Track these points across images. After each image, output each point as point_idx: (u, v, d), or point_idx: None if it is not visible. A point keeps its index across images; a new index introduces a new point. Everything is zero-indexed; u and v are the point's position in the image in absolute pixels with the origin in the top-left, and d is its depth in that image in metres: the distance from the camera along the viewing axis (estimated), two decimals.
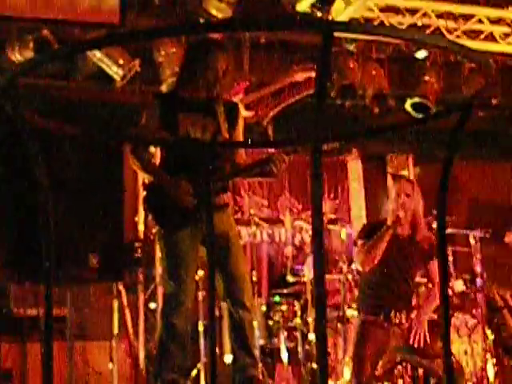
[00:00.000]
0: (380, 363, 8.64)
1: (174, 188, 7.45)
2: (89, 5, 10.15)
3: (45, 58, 8.10)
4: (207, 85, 7.68)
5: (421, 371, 10.68)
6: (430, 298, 8.81)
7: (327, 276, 11.05)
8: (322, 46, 2.69)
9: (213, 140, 7.61)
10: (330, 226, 11.92)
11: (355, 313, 10.72)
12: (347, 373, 10.24)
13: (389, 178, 8.47)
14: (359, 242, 8.54)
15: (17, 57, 10.56)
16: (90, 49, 8.25)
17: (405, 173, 8.70)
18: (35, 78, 10.82)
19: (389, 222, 8.41)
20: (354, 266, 11.18)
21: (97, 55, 11.04)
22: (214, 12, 10.60)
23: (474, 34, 12.21)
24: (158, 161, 8.03)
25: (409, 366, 10.68)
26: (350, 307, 10.72)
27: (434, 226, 10.09)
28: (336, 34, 2.86)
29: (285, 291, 11.08)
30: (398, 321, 8.39)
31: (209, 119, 7.66)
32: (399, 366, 10.47)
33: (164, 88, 10.71)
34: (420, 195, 8.56)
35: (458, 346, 11.19)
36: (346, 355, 10.39)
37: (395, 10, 11.67)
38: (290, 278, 11.22)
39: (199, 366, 9.20)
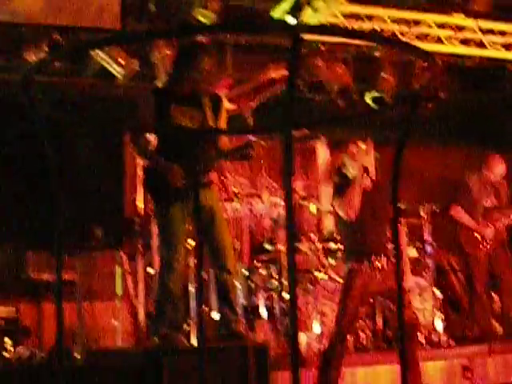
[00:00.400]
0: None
1: (167, 170, 7.53)
2: (93, 12, 10.18)
3: (53, 56, 8.14)
4: (194, 82, 7.79)
5: (380, 324, 10.77)
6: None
7: (299, 244, 11.12)
8: (291, 46, 2.75)
9: (200, 128, 7.67)
10: (301, 202, 11.96)
11: (324, 276, 10.79)
12: (316, 326, 10.31)
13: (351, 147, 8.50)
14: (337, 199, 8.59)
15: (32, 58, 10.60)
16: (92, 48, 8.24)
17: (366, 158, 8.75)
18: (49, 76, 10.87)
19: (358, 176, 8.50)
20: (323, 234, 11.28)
21: (100, 55, 11.09)
22: (201, 18, 10.64)
23: (423, 37, 12.24)
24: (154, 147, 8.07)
25: (368, 322, 10.78)
26: (318, 271, 10.77)
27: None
28: (304, 37, 2.91)
29: (263, 258, 11.12)
30: (379, 265, 8.44)
31: (196, 110, 7.78)
32: (360, 321, 10.55)
33: (159, 84, 10.74)
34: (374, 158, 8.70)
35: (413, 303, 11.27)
36: (315, 312, 10.45)
37: (357, 17, 11.69)
38: (268, 247, 11.26)
39: (190, 322, 9.23)
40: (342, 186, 8.66)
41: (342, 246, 9.95)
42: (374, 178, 8.69)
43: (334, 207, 8.76)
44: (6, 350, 9.11)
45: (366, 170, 8.53)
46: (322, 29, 4.90)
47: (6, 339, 9.43)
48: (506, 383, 9.71)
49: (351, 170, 8.64)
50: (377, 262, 8.48)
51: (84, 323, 8.34)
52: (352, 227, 8.60)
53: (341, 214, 8.59)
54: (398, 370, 3.17)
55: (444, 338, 11.45)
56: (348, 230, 8.70)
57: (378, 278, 8.46)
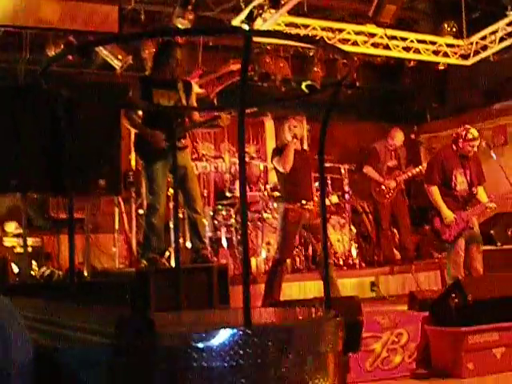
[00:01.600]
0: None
1: (151, 136, 7.49)
2: (98, 20, 10.13)
3: (64, 52, 7.98)
4: (171, 70, 7.77)
5: (310, 251, 10.77)
6: None
7: (251, 192, 11.09)
8: (244, 46, 2.65)
9: (175, 106, 7.64)
10: (253, 161, 11.92)
11: (269, 215, 10.77)
12: (263, 253, 10.29)
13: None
14: (276, 157, 8.59)
15: (52, 54, 10.63)
16: (96, 46, 8.14)
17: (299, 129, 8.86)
18: (64, 67, 10.81)
19: (292, 141, 8.50)
20: (268, 186, 11.24)
21: (103, 52, 11.01)
22: (179, 25, 10.51)
23: (344, 41, 12.15)
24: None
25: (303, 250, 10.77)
26: (265, 212, 10.74)
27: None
28: (255, 39, 2.85)
29: (224, 202, 11.09)
30: (308, 207, 8.43)
31: (172, 92, 7.77)
32: (296, 249, 10.55)
33: (145, 73, 10.65)
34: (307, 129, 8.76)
35: (334, 237, 11.26)
36: (262, 242, 10.44)
37: (295, 25, 11.58)
38: (228, 194, 11.23)
39: (170, 249, 9.18)
40: (281, 148, 8.63)
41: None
42: (305, 143, 8.68)
43: (273, 164, 8.75)
44: (32, 269, 9.07)
45: (295, 136, 8.55)
46: (268, 33, 4.81)
47: (33, 262, 9.39)
48: (402, 294, 9.73)
49: (287, 137, 8.60)
50: (306, 205, 8.46)
51: (91, 250, 8.22)
52: (287, 178, 8.58)
53: (279, 168, 8.57)
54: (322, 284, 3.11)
55: (357, 262, 11.49)
56: (284, 180, 8.67)
57: (306, 216, 8.44)
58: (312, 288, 9.05)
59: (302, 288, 9.49)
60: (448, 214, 8.67)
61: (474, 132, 8.80)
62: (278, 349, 2.29)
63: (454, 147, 8.87)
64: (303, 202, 8.51)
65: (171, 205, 8.65)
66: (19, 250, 9.20)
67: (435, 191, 8.77)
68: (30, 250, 8.87)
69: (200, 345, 2.18)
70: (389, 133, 11.98)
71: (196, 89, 8.40)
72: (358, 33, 12.40)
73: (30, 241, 8.97)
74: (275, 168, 8.79)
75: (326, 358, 2.50)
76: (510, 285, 6.76)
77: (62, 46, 10.68)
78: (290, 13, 11.23)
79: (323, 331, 2.50)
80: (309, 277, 9.91)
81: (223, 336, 2.20)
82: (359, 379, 6.16)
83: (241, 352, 2.20)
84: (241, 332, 2.22)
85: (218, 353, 2.19)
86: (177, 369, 2.18)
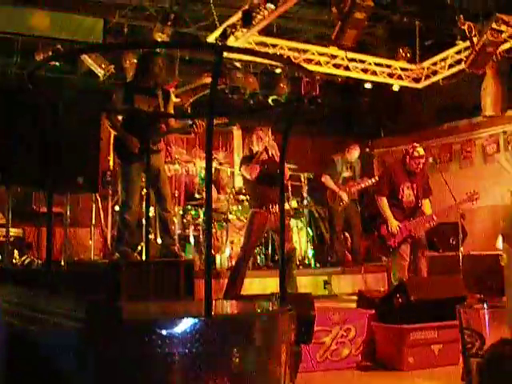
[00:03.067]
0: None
1: (129, 139, 7.43)
2: (84, 31, 10.08)
3: (52, 57, 7.91)
4: (153, 76, 7.70)
5: (269, 250, 10.78)
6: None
7: (219, 195, 11.08)
8: (215, 59, 2.64)
9: (154, 112, 7.59)
10: (222, 167, 11.91)
11: (234, 217, 10.76)
12: (227, 251, 10.27)
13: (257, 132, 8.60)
14: (244, 166, 8.58)
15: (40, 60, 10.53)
16: (82, 53, 8.09)
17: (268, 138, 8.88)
18: (52, 73, 10.76)
19: (260, 151, 8.51)
20: (234, 189, 11.24)
21: (88, 61, 10.95)
22: (158, 39, 10.49)
23: (308, 61, 12.18)
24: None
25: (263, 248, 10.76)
26: (230, 213, 10.72)
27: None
28: (225, 54, 2.84)
29: (193, 203, 11.05)
30: (274, 211, 8.42)
31: (152, 99, 7.69)
32: (258, 248, 10.54)
33: (127, 80, 10.59)
34: (272, 139, 8.71)
35: (292, 238, 11.28)
36: (227, 241, 10.42)
37: (264, 44, 11.59)
38: (197, 195, 11.20)
39: (142, 244, 9.13)
40: (249, 157, 8.63)
41: (247, 197, 10.00)
42: (273, 153, 8.67)
43: (241, 171, 8.75)
44: (14, 258, 8.98)
45: (265, 148, 8.54)
46: (237, 49, 4.78)
47: (15, 251, 9.30)
48: (351, 293, 9.76)
49: (255, 147, 8.59)
50: (271, 208, 8.46)
51: (69, 242, 8.16)
52: (254, 185, 8.58)
53: (246, 175, 8.57)
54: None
55: (312, 262, 11.53)
56: (251, 187, 8.67)
57: (272, 219, 8.44)
58: (270, 284, 9.02)
59: (261, 284, 9.47)
60: (393, 223, 8.75)
61: (420, 150, 8.88)
62: (235, 338, 2.28)
63: (403, 163, 8.96)
64: (269, 206, 8.52)
65: (144, 203, 8.62)
66: (1, 239, 9.11)
67: (383, 202, 8.85)
68: (12, 239, 8.79)
69: (164, 332, 2.17)
70: (346, 146, 12.04)
71: (173, 98, 8.34)
72: (321, 54, 12.46)
73: (12, 231, 8.88)
74: (243, 175, 8.78)
75: (280, 348, 2.50)
76: (449, 287, 6.81)
77: (50, 53, 10.60)
78: (260, 33, 11.25)
79: (277, 323, 2.49)
80: (268, 274, 9.91)
81: (185, 325, 2.19)
82: (310, 369, 6.16)
83: (201, 340, 2.19)
84: (201, 321, 2.21)
85: (180, 340, 2.18)
86: (141, 353, 2.16)
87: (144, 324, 2.22)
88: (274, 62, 11.20)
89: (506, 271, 7.40)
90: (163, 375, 2.17)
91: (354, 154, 11.97)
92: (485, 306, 1.70)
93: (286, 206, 11.20)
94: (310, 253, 11.72)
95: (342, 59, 12.53)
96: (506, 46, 11.30)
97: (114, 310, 2.15)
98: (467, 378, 1.73)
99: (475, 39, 11.07)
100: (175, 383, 2.18)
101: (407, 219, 8.84)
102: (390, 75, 13.20)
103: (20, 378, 2.34)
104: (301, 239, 11.60)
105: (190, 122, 7.84)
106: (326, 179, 11.84)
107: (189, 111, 12.04)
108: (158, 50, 8.51)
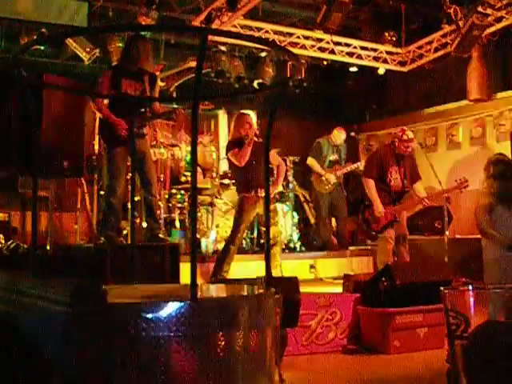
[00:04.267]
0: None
1: (114, 124, 7.42)
2: (69, 16, 10.01)
3: (37, 40, 7.87)
4: (139, 60, 7.68)
5: (255, 235, 10.79)
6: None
7: (203, 179, 11.08)
8: (200, 42, 2.63)
9: (140, 96, 7.59)
10: (206, 148, 11.87)
11: (220, 200, 10.75)
12: (212, 235, 10.27)
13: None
14: (232, 151, 8.59)
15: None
16: (66, 36, 8.06)
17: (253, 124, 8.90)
18: (37, 57, 10.73)
19: (250, 136, 8.61)
20: (219, 174, 11.23)
21: (73, 45, 10.88)
22: (143, 23, 10.44)
23: (294, 45, 12.17)
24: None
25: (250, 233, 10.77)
26: (216, 197, 10.72)
27: None
28: (210, 38, 2.83)
29: (179, 187, 11.03)
30: (261, 195, 8.45)
31: (139, 83, 7.69)
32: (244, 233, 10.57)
33: (114, 64, 10.55)
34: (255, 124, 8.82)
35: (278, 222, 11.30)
36: (212, 225, 10.42)
37: (250, 28, 11.57)
38: (183, 179, 11.21)
39: (127, 228, 9.13)
40: (237, 142, 8.64)
41: (233, 181, 10.05)
42: (258, 138, 8.69)
43: (228, 156, 8.75)
44: (0, 242, 8.95)
45: (255, 133, 8.58)
46: (222, 32, 4.77)
47: (1, 236, 9.27)
48: (337, 277, 9.79)
49: (243, 132, 8.62)
50: (259, 193, 8.50)
51: (54, 227, 8.14)
52: (242, 170, 8.60)
53: (234, 161, 8.58)
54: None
55: (298, 246, 11.55)
56: (239, 171, 8.69)
57: (261, 203, 8.48)
58: (256, 267, 9.04)
59: (247, 267, 9.49)
60: (379, 207, 8.78)
61: (409, 134, 8.90)
62: (220, 321, 2.29)
63: (392, 146, 8.98)
64: (258, 190, 8.55)
65: (130, 187, 8.61)
66: None
67: (371, 184, 8.86)
68: None
69: (149, 315, 2.17)
70: (332, 130, 12.06)
71: (158, 82, 8.34)
72: (306, 37, 12.45)
73: None
74: (230, 160, 8.78)
75: (265, 331, 2.50)
76: (434, 271, 6.84)
77: (35, 37, 10.53)
78: (245, 16, 11.22)
79: (263, 307, 2.50)
80: (253, 257, 9.94)
81: (170, 308, 2.19)
82: (296, 352, 6.18)
83: (186, 323, 2.20)
84: (187, 305, 2.22)
85: (165, 323, 2.18)
86: (127, 337, 2.17)
87: (129, 307, 2.22)
88: (259, 46, 11.17)
89: (484, 255, 7.49)
90: (149, 359, 2.18)
91: (340, 137, 11.99)
92: (470, 287, 1.71)
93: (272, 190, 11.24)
94: (296, 237, 11.75)
95: (328, 43, 12.53)
96: (492, 29, 11.31)
97: (99, 294, 2.15)
98: (452, 360, 1.74)
99: (461, 23, 11.08)
100: (161, 367, 2.19)
101: (393, 203, 8.87)
102: (376, 59, 13.20)
103: (4, 362, 2.33)
104: (286, 223, 11.61)
105: (174, 107, 7.87)
106: (312, 162, 11.85)
107: (174, 95, 12.03)
108: (143, 33, 8.50)
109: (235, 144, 8.69)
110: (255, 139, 8.68)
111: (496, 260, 7.32)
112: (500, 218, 7.36)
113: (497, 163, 7.64)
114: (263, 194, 8.52)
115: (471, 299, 1.70)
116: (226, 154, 8.88)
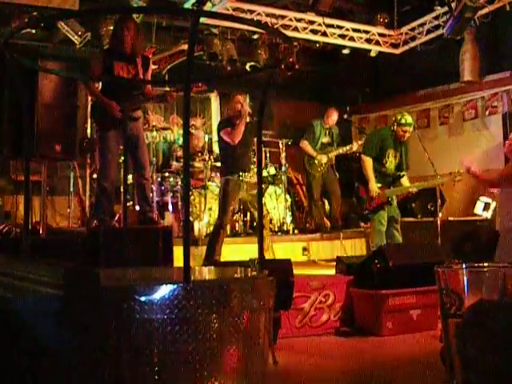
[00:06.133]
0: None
1: (108, 106, 7.40)
2: None
3: (28, 23, 7.83)
4: (127, 44, 7.66)
5: (248, 217, 10.80)
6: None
7: (196, 163, 11.06)
8: (192, 24, 2.62)
9: (133, 78, 7.57)
10: (197, 132, 11.82)
11: (212, 184, 10.75)
12: (205, 218, 10.26)
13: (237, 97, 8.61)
14: (225, 130, 8.58)
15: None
16: (57, 19, 8.03)
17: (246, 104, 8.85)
18: (28, 40, 10.69)
19: (243, 114, 8.59)
20: (212, 157, 11.21)
21: (65, 28, 10.82)
22: (134, 5, 10.39)
23: (286, 27, 12.14)
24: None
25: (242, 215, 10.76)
26: (208, 180, 10.71)
27: None
28: (202, 20, 2.82)
29: (171, 170, 11.03)
30: (245, 179, 8.46)
31: (131, 66, 7.66)
32: (236, 215, 10.57)
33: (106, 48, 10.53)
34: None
35: (270, 205, 11.30)
36: (205, 208, 10.42)
37: (242, 10, 11.53)
38: (175, 163, 11.19)
39: (120, 211, 9.12)
40: (230, 120, 8.65)
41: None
42: (252, 117, 8.69)
43: (221, 135, 8.71)
44: None
45: (248, 112, 8.58)
46: (213, 14, 4.77)
47: None
48: (330, 259, 9.80)
49: (237, 109, 8.61)
50: (244, 177, 8.51)
51: (46, 211, 8.11)
52: (230, 151, 8.59)
53: (227, 139, 8.56)
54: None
55: (291, 228, 11.57)
56: (227, 153, 8.68)
57: (244, 187, 8.50)
58: (248, 250, 9.04)
59: (239, 250, 9.50)
60: (374, 187, 8.79)
61: (407, 118, 8.91)
62: (213, 303, 2.29)
63: (391, 129, 9.00)
64: (241, 173, 8.55)
65: (122, 170, 8.59)
66: None
67: (369, 162, 8.87)
68: None
69: (142, 298, 2.17)
70: (325, 112, 12.05)
71: (151, 65, 8.31)
72: (298, 20, 12.43)
73: None
74: (220, 139, 8.74)
75: (258, 314, 2.51)
76: (427, 253, 6.84)
77: (26, 21, 10.49)
78: None
79: (256, 289, 2.50)
80: (246, 240, 9.95)
81: (164, 290, 2.19)
82: (289, 335, 6.20)
83: (179, 306, 2.20)
84: (180, 287, 2.22)
85: (158, 306, 2.18)
86: (120, 319, 2.17)
87: (122, 290, 2.22)
88: (251, 28, 11.14)
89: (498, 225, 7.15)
90: (142, 341, 2.18)
91: (333, 119, 11.99)
92: (463, 266, 1.71)
93: (264, 173, 11.23)
94: (289, 219, 11.75)
95: (320, 25, 12.51)
96: (485, 11, 11.29)
97: (91, 277, 2.15)
98: (445, 339, 1.74)
99: (453, 4, 11.07)
100: (154, 349, 2.19)
101: (387, 186, 8.89)
102: (368, 41, 13.18)
103: None
104: (279, 205, 11.61)
105: (166, 90, 7.85)
106: (305, 144, 11.84)
107: (166, 78, 12.00)
108: (134, 15, 8.46)
109: (228, 123, 8.70)
110: (247, 119, 8.68)
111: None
112: None
113: None
114: (246, 180, 8.57)
115: (465, 278, 1.70)
116: (218, 133, 8.85)
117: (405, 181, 9.03)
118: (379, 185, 8.86)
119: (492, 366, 1.65)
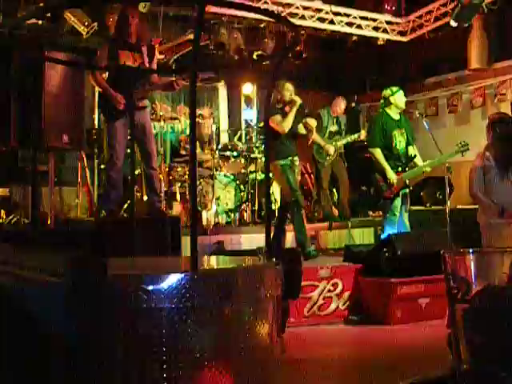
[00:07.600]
0: None
1: (114, 96, 7.39)
2: None
3: (33, 13, 7.85)
4: (131, 33, 7.66)
5: (256, 207, 10.80)
6: None
7: (203, 152, 11.05)
8: (198, 12, 2.61)
9: (139, 67, 7.56)
10: (205, 121, 11.80)
11: (220, 173, 10.74)
12: (213, 207, 10.25)
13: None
14: (277, 116, 8.82)
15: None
16: (62, 8, 8.02)
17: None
18: (36, 31, 10.69)
19: (296, 99, 8.96)
20: (219, 146, 11.19)
21: (71, 19, 10.81)
22: None
23: (293, 15, 12.12)
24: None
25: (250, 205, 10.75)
26: (216, 169, 10.70)
27: None
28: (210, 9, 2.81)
29: (179, 160, 11.05)
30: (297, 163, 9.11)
31: (137, 55, 7.66)
32: (244, 204, 10.57)
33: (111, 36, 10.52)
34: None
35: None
36: (213, 197, 10.40)
37: None
38: (183, 152, 11.20)
39: (128, 201, 9.14)
40: (282, 108, 8.96)
41: (234, 153, 10.45)
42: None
43: (272, 122, 8.65)
44: (1, 218, 9.01)
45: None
46: (220, 2, 4.74)
47: (2, 211, 9.31)
48: (339, 248, 9.81)
49: (287, 97, 8.96)
50: (295, 161, 9.10)
51: (54, 201, 8.14)
52: (279, 138, 8.87)
53: (277, 128, 8.75)
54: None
55: None
56: (276, 140, 8.83)
57: (296, 171, 9.19)
58: (257, 239, 9.04)
59: (248, 239, 9.51)
60: (391, 176, 8.66)
61: (392, 88, 9.30)
62: (221, 292, 2.29)
63: (385, 108, 9.02)
64: (291, 158, 8.99)
65: (129, 161, 8.60)
66: None
67: (378, 153, 8.79)
68: None
69: (150, 287, 2.17)
70: (333, 100, 12.04)
71: (157, 55, 8.32)
72: (305, 8, 12.40)
73: None
74: (269, 127, 8.03)
75: (266, 302, 2.51)
76: (435, 241, 6.85)
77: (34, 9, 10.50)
78: None
79: (264, 277, 2.50)
80: (255, 230, 9.94)
81: (171, 280, 2.19)
82: (298, 324, 6.22)
83: (187, 295, 2.20)
84: (187, 276, 2.22)
85: (166, 295, 2.18)
86: (127, 309, 2.17)
87: (130, 279, 2.22)
88: (258, 16, 11.10)
89: (479, 219, 7.40)
90: (149, 331, 2.18)
91: (340, 107, 11.99)
92: (471, 251, 1.70)
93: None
94: None
95: (327, 13, 12.49)
96: None
97: (99, 266, 2.15)
98: (452, 325, 1.74)
99: None
100: (162, 338, 2.19)
101: (403, 170, 8.79)
102: (376, 29, 13.15)
103: (5, 336, 2.34)
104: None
105: (173, 79, 7.84)
106: (313, 134, 11.83)
107: (173, 67, 11.99)
108: (141, 5, 8.44)
109: (278, 110, 8.92)
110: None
111: (490, 225, 7.28)
112: (494, 181, 7.31)
113: (499, 124, 7.65)
114: (297, 163, 8.91)
115: (472, 263, 1.70)
116: (266, 120, 8.77)
117: (418, 160, 8.96)
118: (395, 171, 8.78)
119: (500, 351, 1.64)
